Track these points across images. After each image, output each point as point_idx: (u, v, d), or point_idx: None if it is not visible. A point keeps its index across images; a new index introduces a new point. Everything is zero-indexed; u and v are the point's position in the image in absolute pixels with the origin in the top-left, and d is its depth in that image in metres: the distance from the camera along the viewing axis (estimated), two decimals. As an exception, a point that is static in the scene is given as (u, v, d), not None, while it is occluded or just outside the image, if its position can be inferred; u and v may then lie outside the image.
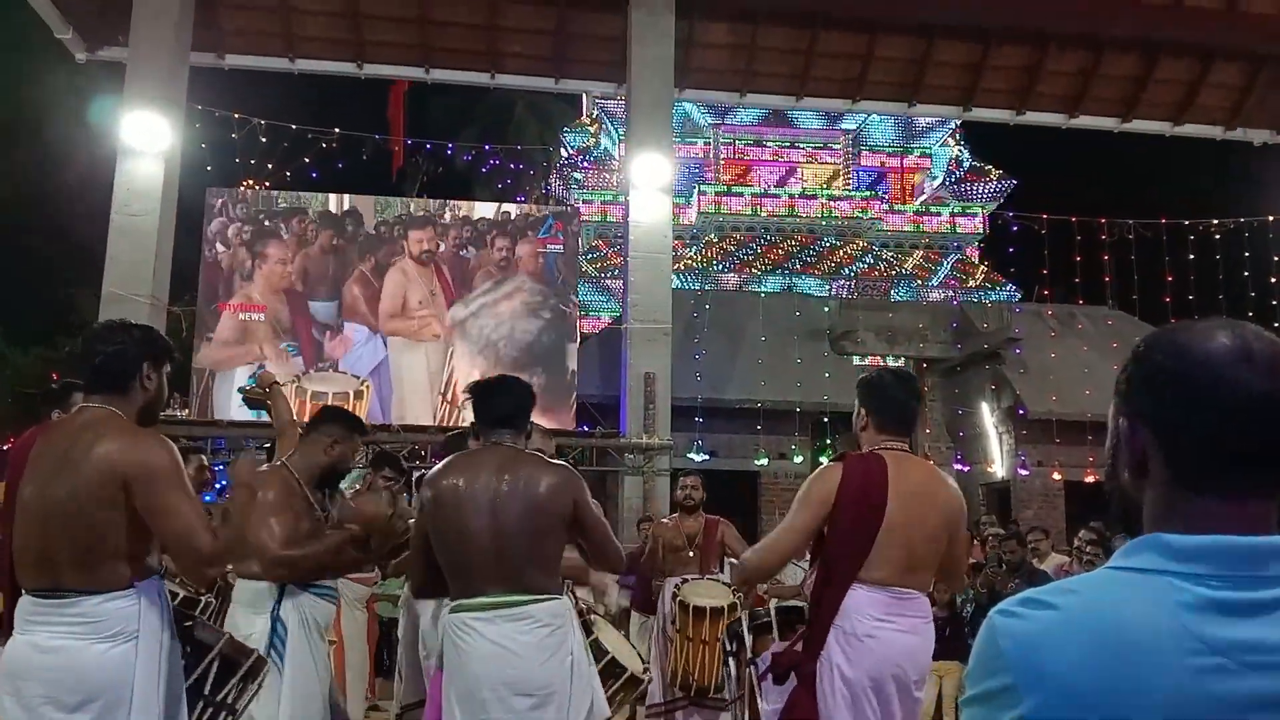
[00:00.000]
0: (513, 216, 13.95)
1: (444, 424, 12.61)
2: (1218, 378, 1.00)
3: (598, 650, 3.82)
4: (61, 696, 2.40)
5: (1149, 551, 0.99)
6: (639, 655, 4.25)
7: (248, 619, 3.50)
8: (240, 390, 4.65)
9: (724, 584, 6.29)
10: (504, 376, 3.40)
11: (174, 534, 2.49)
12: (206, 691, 2.80)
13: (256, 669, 2.96)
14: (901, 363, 16.64)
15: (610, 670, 3.85)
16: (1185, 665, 0.91)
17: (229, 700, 2.88)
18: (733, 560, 6.58)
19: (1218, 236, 16.70)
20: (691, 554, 6.40)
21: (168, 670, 2.56)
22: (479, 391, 3.26)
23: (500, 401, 3.20)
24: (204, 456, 5.76)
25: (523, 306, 13.40)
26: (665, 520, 6.88)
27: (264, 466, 3.78)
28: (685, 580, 6.22)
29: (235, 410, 12.58)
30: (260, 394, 4.45)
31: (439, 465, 3.20)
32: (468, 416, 12.13)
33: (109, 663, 2.43)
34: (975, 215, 23.93)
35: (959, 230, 23.96)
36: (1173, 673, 0.91)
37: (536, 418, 3.40)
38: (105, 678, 2.42)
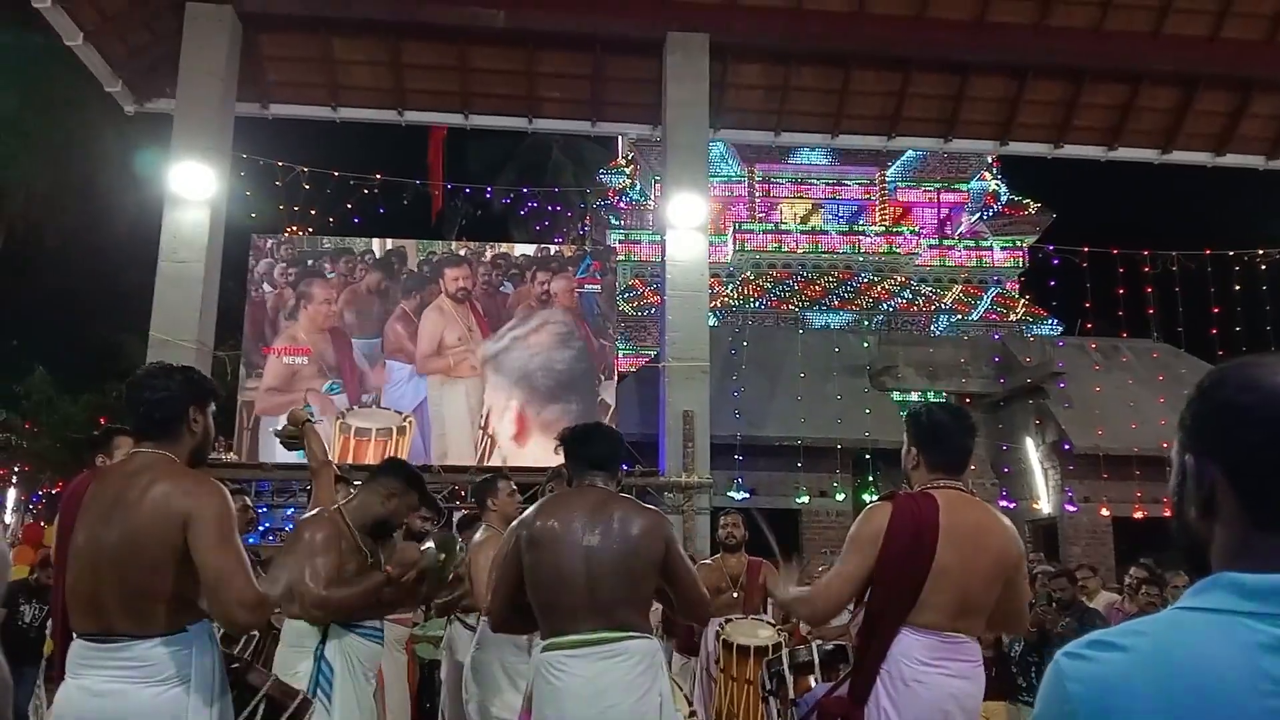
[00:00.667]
0: (552, 253, 14.08)
1: (482, 462, 12.65)
2: None
3: None
4: None
5: (1221, 591, 0.97)
6: (685, 697, 4.24)
7: (293, 659, 3.53)
8: (275, 433, 4.69)
9: (768, 623, 6.23)
10: (598, 424, 3.57)
11: (220, 576, 2.51)
12: None
13: (302, 710, 2.98)
14: (943, 398, 16.47)
15: None
16: (1259, 707, 0.89)
17: None
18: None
19: (1264, 267, 16.43)
20: (736, 595, 6.34)
21: (219, 713, 2.58)
22: (576, 436, 3.36)
23: (597, 446, 3.31)
24: (247, 498, 5.81)
25: (553, 338, 13.47)
26: (707, 561, 6.83)
27: (313, 511, 3.81)
28: (729, 620, 6.16)
29: (280, 454, 12.74)
30: (294, 432, 4.49)
31: (534, 506, 3.27)
32: (501, 449, 12.10)
33: (162, 706, 2.45)
34: (1015, 249, 23.75)
35: (998, 264, 23.79)
36: (1246, 714, 0.89)
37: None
38: None
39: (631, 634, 2.97)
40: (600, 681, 2.90)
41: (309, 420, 4.57)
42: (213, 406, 2.80)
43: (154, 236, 12.70)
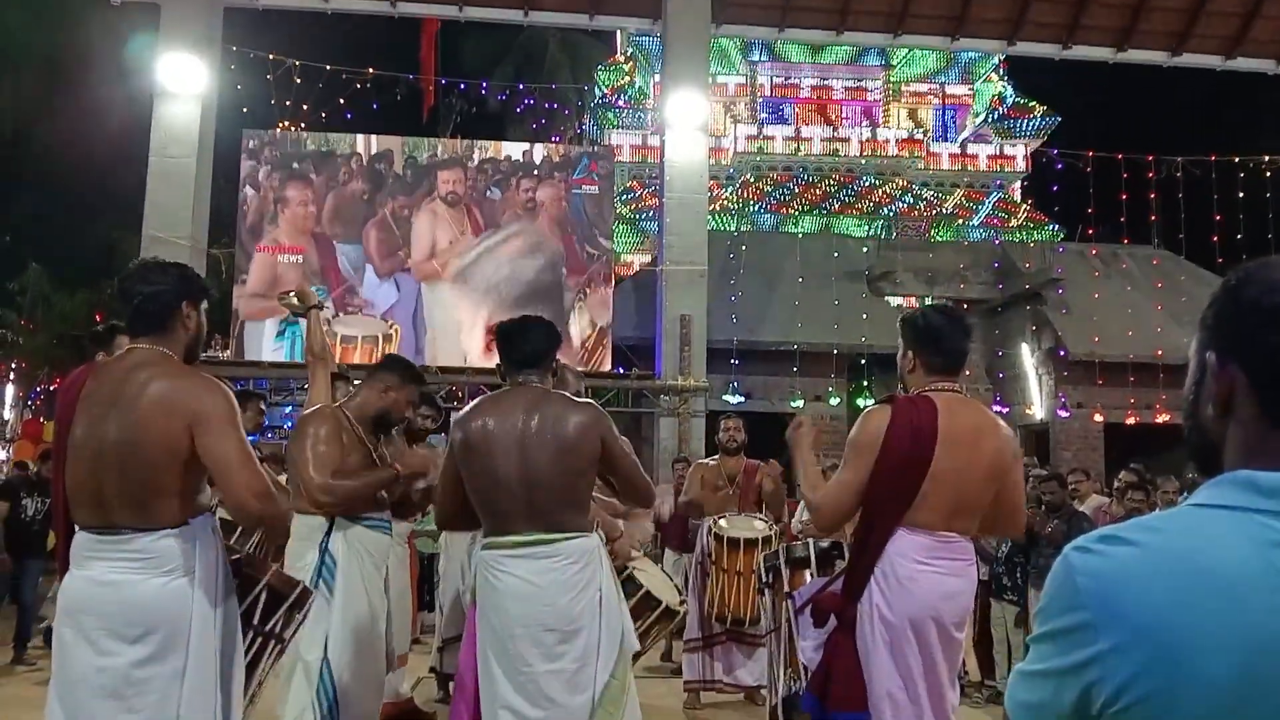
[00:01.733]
0: (538, 160, 13.86)
1: (477, 365, 12.69)
2: None
3: (633, 585, 3.91)
4: (122, 629, 2.46)
5: (1236, 488, 0.96)
6: (675, 587, 4.31)
7: (301, 550, 3.60)
8: (280, 297, 4.56)
9: (760, 519, 6.33)
10: (527, 317, 3.36)
11: (227, 469, 2.52)
12: (255, 622, 2.88)
13: (302, 600, 3.03)
14: (941, 303, 16.43)
15: (645, 604, 3.94)
16: (1270, 603, 0.89)
17: (276, 630, 2.96)
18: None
19: (1268, 174, 16.24)
20: (731, 493, 6.44)
21: (224, 604, 2.62)
22: (503, 333, 3.26)
23: (525, 342, 3.20)
24: (262, 402, 5.87)
25: (523, 246, 13.40)
26: (705, 461, 6.90)
27: (315, 406, 3.83)
28: (723, 516, 6.27)
29: (269, 353, 12.77)
30: (299, 309, 4.39)
31: (468, 406, 3.23)
32: (469, 353, 12.16)
33: (167, 596, 2.49)
34: (1018, 153, 23.45)
35: (1001, 169, 23.51)
36: (1257, 611, 0.89)
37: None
38: (164, 611, 2.48)
39: (568, 535, 2.99)
40: (538, 581, 2.93)
41: (318, 306, 4.43)
42: (205, 305, 2.78)
43: (146, 133, 12.50)
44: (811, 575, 3.22)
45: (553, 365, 3.28)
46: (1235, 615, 0.90)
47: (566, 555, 2.97)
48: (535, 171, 13.60)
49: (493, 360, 3.45)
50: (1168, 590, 0.92)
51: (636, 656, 5.91)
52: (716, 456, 6.69)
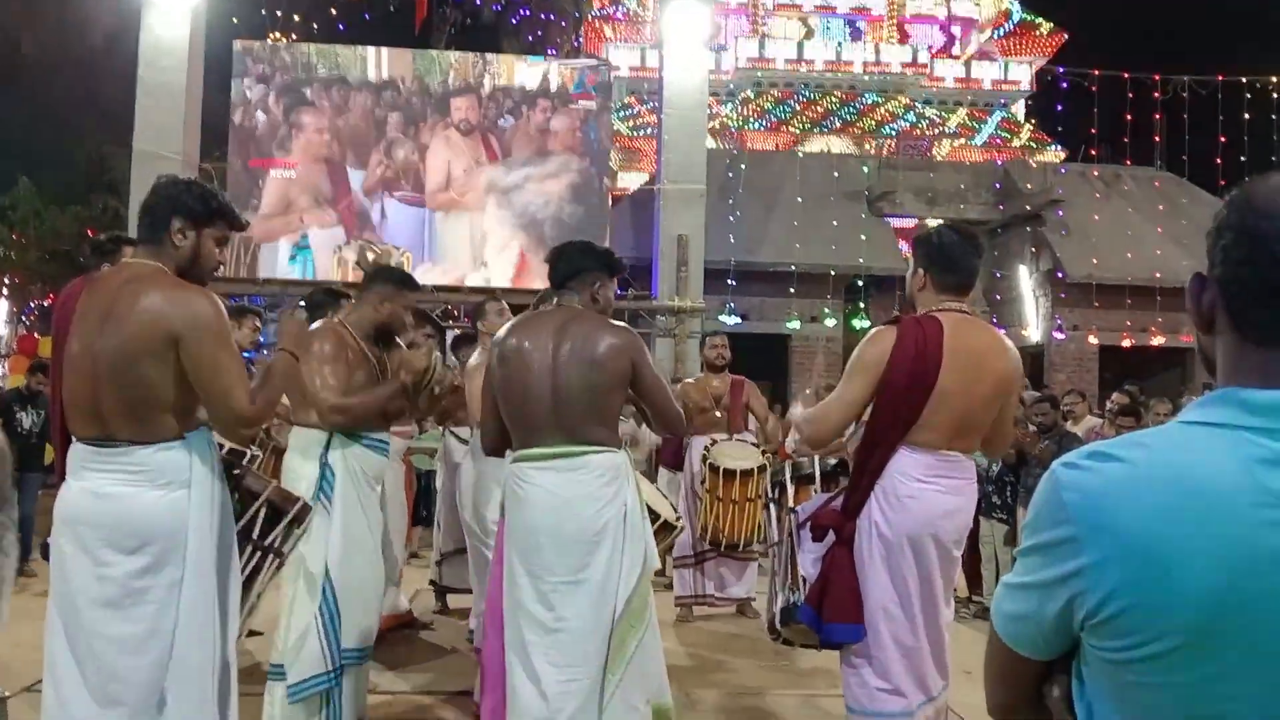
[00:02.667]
0: (553, 87, 13.62)
1: (477, 286, 12.65)
2: (1271, 230, 0.96)
3: (650, 513, 3.99)
4: (119, 540, 2.49)
5: (1224, 406, 0.97)
6: (672, 505, 4.37)
7: (300, 465, 3.62)
8: (362, 246, 4.56)
9: (752, 444, 6.37)
10: (573, 240, 3.48)
11: (215, 392, 2.52)
12: (255, 536, 2.92)
13: (301, 515, 3.06)
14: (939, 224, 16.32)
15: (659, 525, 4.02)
16: (1255, 519, 0.90)
17: (275, 544, 3.00)
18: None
19: (1275, 95, 16.00)
20: (719, 414, 6.46)
21: (220, 516, 2.64)
22: (549, 257, 3.37)
23: (562, 264, 3.30)
24: (258, 319, 5.84)
25: (568, 189, 13.28)
26: (691, 380, 6.91)
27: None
28: (714, 441, 6.30)
29: (281, 269, 12.72)
30: (366, 267, 4.36)
31: (507, 325, 3.30)
32: (493, 278, 12.18)
33: (164, 509, 2.51)
34: (1023, 72, 23.05)
35: (1005, 87, 23.14)
36: (1240, 525, 0.90)
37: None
38: (161, 523, 2.51)
39: (595, 448, 3.04)
40: (564, 493, 2.99)
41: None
42: (216, 232, 2.67)
43: (134, 45, 12.24)
44: (816, 491, 3.25)
45: (593, 286, 3.29)
46: (1219, 530, 0.91)
47: (593, 469, 3.02)
48: (550, 97, 13.39)
49: (519, 283, 3.53)
50: (1153, 505, 0.93)
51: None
52: (701, 374, 6.70)
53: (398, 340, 3.99)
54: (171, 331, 2.48)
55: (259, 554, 2.94)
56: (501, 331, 3.27)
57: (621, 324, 3.25)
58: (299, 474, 3.60)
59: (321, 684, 3.61)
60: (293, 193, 12.87)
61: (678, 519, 4.21)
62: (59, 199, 20.69)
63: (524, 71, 13.92)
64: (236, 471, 2.88)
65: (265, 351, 12.00)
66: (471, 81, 13.50)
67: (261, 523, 2.94)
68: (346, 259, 12.80)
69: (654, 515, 4.04)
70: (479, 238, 13.12)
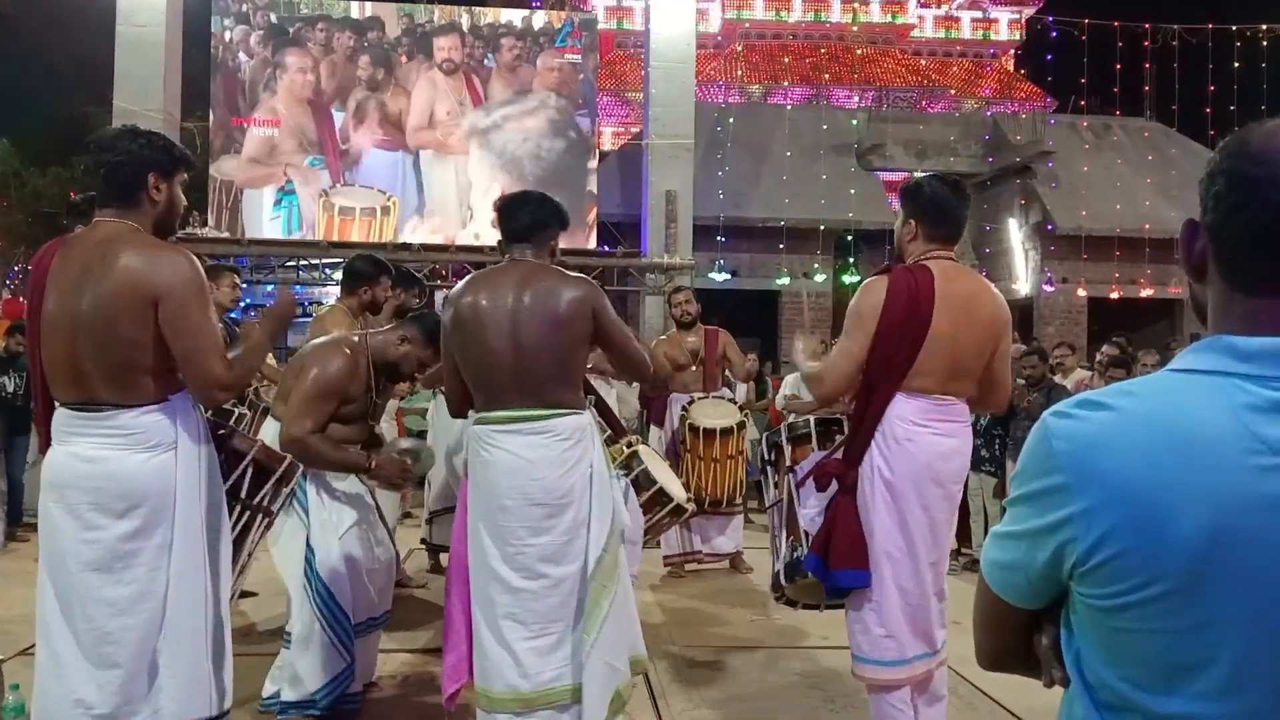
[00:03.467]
0: (536, 25, 13.45)
1: (466, 245, 12.57)
2: (1268, 175, 0.95)
3: (646, 480, 4.02)
4: (107, 503, 2.49)
5: (1214, 353, 0.97)
6: (682, 485, 4.38)
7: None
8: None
9: (729, 401, 6.38)
10: (527, 192, 3.31)
11: (190, 355, 2.50)
12: (243, 495, 2.92)
13: (289, 474, 3.06)
14: (929, 178, 16.24)
15: (658, 499, 4.06)
16: (1244, 465, 0.90)
17: (264, 503, 3.00)
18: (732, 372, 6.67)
19: (1265, 43, 15.92)
20: (695, 369, 6.45)
21: (207, 478, 2.64)
22: (502, 205, 3.20)
23: (520, 214, 3.14)
24: (237, 276, 5.76)
25: (546, 124, 13.11)
26: (664, 337, 6.84)
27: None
28: (692, 400, 6.29)
29: (267, 228, 12.60)
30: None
31: (461, 283, 3.16)
32: (481, 232, 12.06)
33: (151, 471, 2.51)
34: (1013, 20, 22.86)
35: (996, 39, 22.95)
36: (1229, 471, 0.90)
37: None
38: (148, 485, 2.50)
39: (560, 410, 2.98)
40: (529, 455, 2.94)
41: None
42: (181, 177, 2.67)
43: (112, 2, 12.02)
44: (813, 450, 3.28)
45: (550, 241, 3.20)
46: (1207, 476, 0.91)
47: (557, 432, 2.98)
48: (526, 38, 13.19)
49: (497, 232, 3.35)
50: (1142, 452, 0.93)
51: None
52: (673, 331, 6.67)
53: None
54: (150, 292, 2.45)
55: (248, 513, 2.94)
56: (457, 289, 3.12)
57: (580, 275, 3.15)
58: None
59: (346, 680, 3.61)
60: (277, 136, 12.71)
61: (689, 500, 4.22)
62: (40, 160, 20.45)
63: (507, 14, 13.71)
64: (222, 432, 2.87)
65: (254, 313, 11.98)
66: (456, 19, 13.29)
67: (249, 482, 2.93)
68: (333, 203, 12.67)
69: (667, 499, 4.07)
70: (465, 184, 12.99)
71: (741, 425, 6.13)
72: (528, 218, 3.14)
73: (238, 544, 2.87)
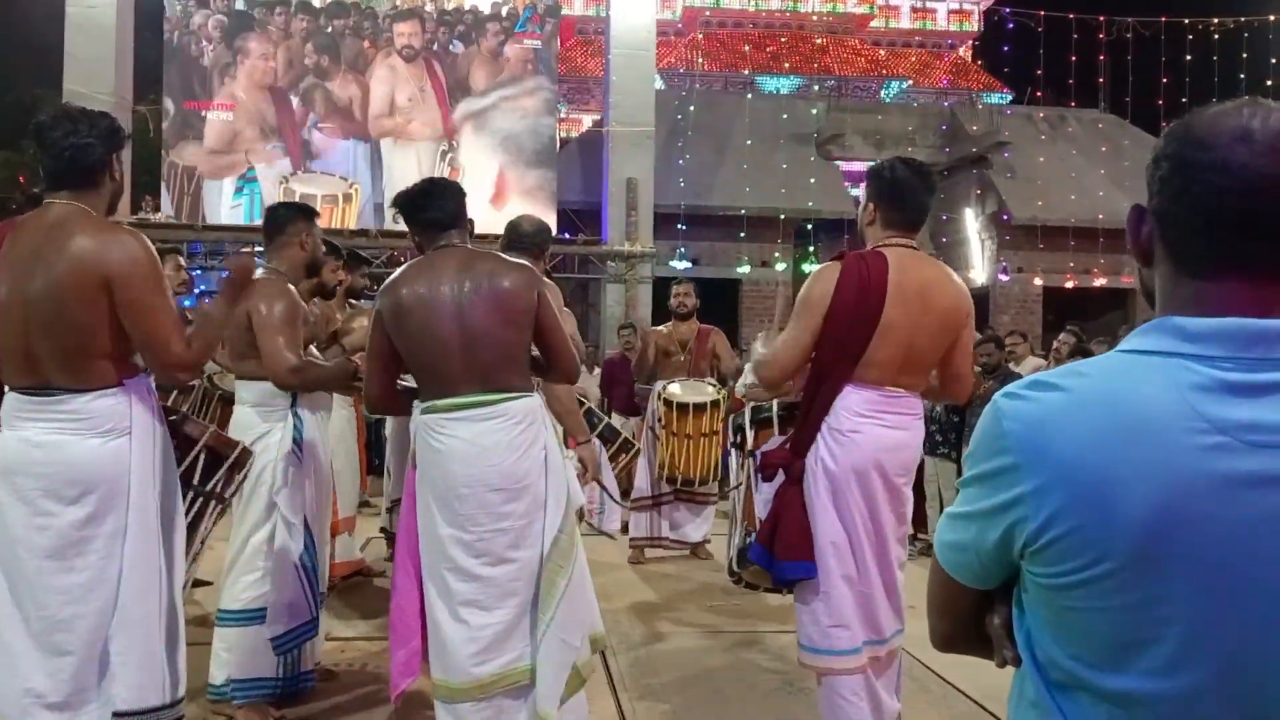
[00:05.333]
0: (504, 12, 13.34)
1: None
2: (1211, 160, 0.97)
3: (611, 432, 4.56)
4: (59, 489, 2.45)
5: (1161, 334, 0.99)
6: (659, 464, 4.49)
7: (260, 416, 3.55)
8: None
9: (710, 384, 6.43)
10: (433, 180, 3.24)
11: (148, 335, 2.46)
12: (195, 482, 2.87)
13: (242, 460, 3.03)
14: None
15: (624, 448, 4.65)
16: (1190, 444, 0.92)
17: (217, 490, 2.96)
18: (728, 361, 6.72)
19: (1217, 36, 16.21)
20: (683, 359, 6.49)
21: (162, 463, 2.61)
22: (414, 200, 3.11)
23: (443, 202, 3.08)
24: (180, 258, 5.65)
25: (542, 104, 13.06)
26: (659, 328, 6.91)
27: (259, 272, 3.70)
28: (673, 382, 6.36)
29: (227, 216, 12.43)
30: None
31: (396, 273, 3.08)
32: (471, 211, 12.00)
33: (105, 456, 2.47)
34: (970, 12, 23.07)
35: (953, 29, 23.15)
36: (1176, 450, 0.92)
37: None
38: (102, 471, 2.47)
39: (510, 394, 2.95)
40: (481, 441, 2.90)
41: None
42: (121, 154, 2.67)
43: (60, -20, 11.76)
44: (775, 434, 3.25)
45: (466, 225, 3.19)
46: (1155, 455, 0.93)
47: (509, 415, 2.96)
48: (501, 23, 13.08)
49: (497, 214, 3.34)
50: (1090, 432, 0.95)
51: (625, 495, 6.37)
52: (669, 323, 6.71)
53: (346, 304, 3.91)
54: (103, 274, 2.42)
55: (200, 499, 2.90)
56: (393, 278, 3.05)
57: (520, 261, 3.13)
58: (269, 426, 3.53)
59: (309, 633, 3.62)
60: (238, 124, 12.52)
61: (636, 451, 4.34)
62: (-12, 144, 19.97)
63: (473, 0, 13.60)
64: (174, 417, 2.83)
65: (208, 300, 11.80)
66: (419, 3, 13.15)
67: (201, 468, 2.90)
68: (294, 190, 12.50)
69: (615, 433, 4.17)
70: (426, 171, 12.86)
71: (717, 404, 6.16)
72: (452, 205, 3.09)
73: (190, 531, 2.83)
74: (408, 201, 3.11)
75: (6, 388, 2.55)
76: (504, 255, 3.12)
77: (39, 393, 2.48)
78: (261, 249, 3.85)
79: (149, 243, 2.54)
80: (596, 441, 4.24)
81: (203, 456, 2.88)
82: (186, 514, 2.79)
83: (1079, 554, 0.95)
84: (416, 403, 3.07)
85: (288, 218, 3.75)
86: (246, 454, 3.06)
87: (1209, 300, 0.98)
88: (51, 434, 2.46)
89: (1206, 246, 0.98)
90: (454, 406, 2.95)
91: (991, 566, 1.07)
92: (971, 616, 1.16)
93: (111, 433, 2.49)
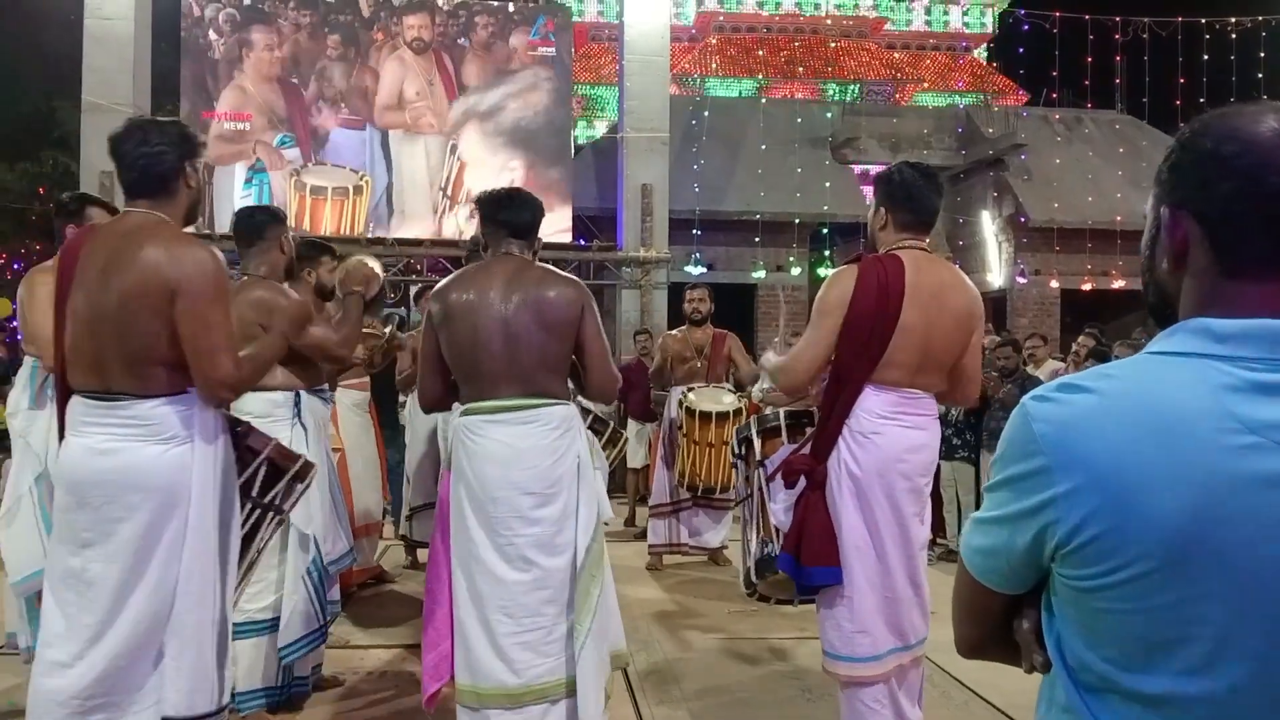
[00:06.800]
0: (511, 9, 13.36)
1: (440, 228, 12.47)
2: (1264, 163, 0.96)
3: (602, 425, 4.67)
4: (122, 496, 2.46)
5: (1191, 335, 0.98)
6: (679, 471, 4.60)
7: (270, 428, 3.58)
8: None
9: (729, 390, 6.41)
10: (517, 189, 3.31)
11: (201, 350, 2.48)
12: (254, 494, 2.88)
13: (303, 473, 3.04)
14: (903, 171, 16.29)
15: (613, 438, 4.85)
16: (1221, 444, 0.91)
17: (276, 502, 2.97)
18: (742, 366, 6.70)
19: (1234, 36, 16.09)
20: (699, 365, 6.48)
21: (223, 473, 2.62)
22: (496, 201, 3.19)
23: (519, 211, 3.16)
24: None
25: (551, 97, 13.06)
26: (674, 332, 6.90)
27: (244, 281, 3.72)
28: (691, 389, 6.33)
29: (239, 199, 12.44)
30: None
31: (449, 278, 3.17)
32: (458, 215, 11.88)
33: (166, 464, 2.49)
34: (986, 14, 22.99)
35: (968, 31, 23.08)
36: (1208, 451, 0.91)
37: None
38: (163, 479, 2.48)
39: (548, 400, 3.00)
40: (518, 445, 2.96)
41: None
42: (201, 160, 2.71)
43: (77, -8, 11.87)
44: (783, 443, 3.24)
45: (536, 239, 3.22)
46: (1187, 456, 0.92)
47: (547, 420, 2.99)
48: (500, 17, 13.10)
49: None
50: (1123, 434, 0.94)
51: (619, 486, 6.49)
52: (684, 327, 6.70)
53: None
54: (169, 284, 2.45)
55: (258, 511, 2.91)
56: (445, 284, 3.13)
57: (572, 276, 3.18)
58: (276, 436, 3.57)
59: (316, 641, 3.67)
60: (239, 129, 12.56)
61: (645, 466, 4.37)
62: (7, 155, 20.15)
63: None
64: (239, 429, 2.84)
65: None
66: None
67: (262, 480, 2.91)
68: (304, 183, 12.52)
69: (605, 424, 4.77)
70: (435, 165, 12.85)
71: (739, 412, 6.15)
72: (529, 216, 3.17)
73: (247, 541, 2.84)
74: (490, 200, 3.19)
75: (73, 392, 2.58)
76: (553, 269, 3.15)
77: (103, 397, 2.51)
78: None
79: (219, 255, 2.57)
80: (588, 433, 4.30)
81: (264, 468, 2.89)
82: (244, 525, 2.80)
83: (1112, 556, 0.94)
84: (456, 405, 3.10)
85: (267, 221, 3.76)
86: (309, 467, 3.08)
87: (1242, 302, 0.97)
88: (114, 440, 2.48)
89: (1251, 247, 0.98)
90: (494, 409, 2.98)
91: (1022, 570, 1.06)
92: (999, 621, 1.15)
93: (173, 440, 2.50)
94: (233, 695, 3.49)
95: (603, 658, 2.99)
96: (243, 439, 2.84)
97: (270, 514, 2.97)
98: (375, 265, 3.80)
